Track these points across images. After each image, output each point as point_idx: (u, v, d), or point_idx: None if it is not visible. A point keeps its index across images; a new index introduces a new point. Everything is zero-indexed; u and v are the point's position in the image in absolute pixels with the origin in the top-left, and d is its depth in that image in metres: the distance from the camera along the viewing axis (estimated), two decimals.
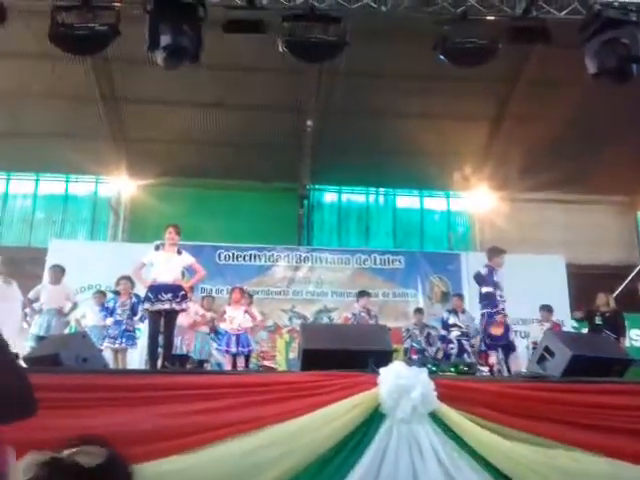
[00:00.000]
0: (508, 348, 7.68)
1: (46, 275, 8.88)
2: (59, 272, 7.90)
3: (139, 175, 13.18)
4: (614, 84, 5.84)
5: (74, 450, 1.16)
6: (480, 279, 7.44)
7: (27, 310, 7.84)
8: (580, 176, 12.43)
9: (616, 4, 5.67)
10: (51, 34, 5.94)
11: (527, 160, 12.30)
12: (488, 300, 7.23)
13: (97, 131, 12.40)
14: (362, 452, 3.24)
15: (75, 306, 7.94)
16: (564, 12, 6.47)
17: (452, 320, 9.30)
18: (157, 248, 6.59)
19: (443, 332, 9.38)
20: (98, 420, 3.11)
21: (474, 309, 10.09)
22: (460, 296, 9.96)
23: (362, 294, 9.26)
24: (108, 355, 7.10)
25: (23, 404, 1.64)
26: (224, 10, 6.58)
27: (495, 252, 7.51)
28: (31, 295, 7.81)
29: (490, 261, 7.44)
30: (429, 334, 9.85)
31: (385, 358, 3.77)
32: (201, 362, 8.34)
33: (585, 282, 11.22)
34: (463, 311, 9.47)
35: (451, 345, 9.14)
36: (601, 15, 5.60)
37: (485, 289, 7.29)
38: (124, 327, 7.35)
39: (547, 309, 9.22)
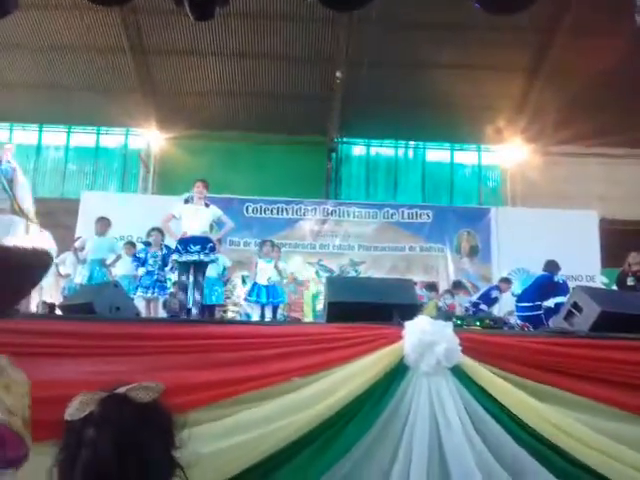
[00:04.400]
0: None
1: (79, 226, 9.06)
2: (106, 224, 8.24)
3: (168, 128, 13.20)
4: None
5: (132, 386, 1.20)
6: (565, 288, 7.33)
7: (61, 258, 8.12)
8: (617, 129, 12.02)
9: None
10: None
11: (563, 112, 11.93)
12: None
13: (126, 83, 12.42)
14: (386, 405, 3.24)
15: (119, 258, 8.18)
16: None
17: (494, 294, 9.32)
18: (186, 201, 6.67)
19: (484, 306, 9.31)
20: (131, 367, 3.18)
21: (502, 267, 10.03)
22: (508, 280, 9.73)
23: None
24: (140, 304, 7.28)
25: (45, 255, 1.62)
26: None
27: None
28: (77, 244, 8.25)
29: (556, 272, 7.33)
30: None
31: (410, 311, 3.76)
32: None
33: (618, 238, 10.99)
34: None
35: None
36: None
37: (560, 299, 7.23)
38: (156, 277, 7.53)
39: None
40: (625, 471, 3.06)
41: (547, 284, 7.46)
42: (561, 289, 7.34)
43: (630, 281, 7.94)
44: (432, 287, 9.75)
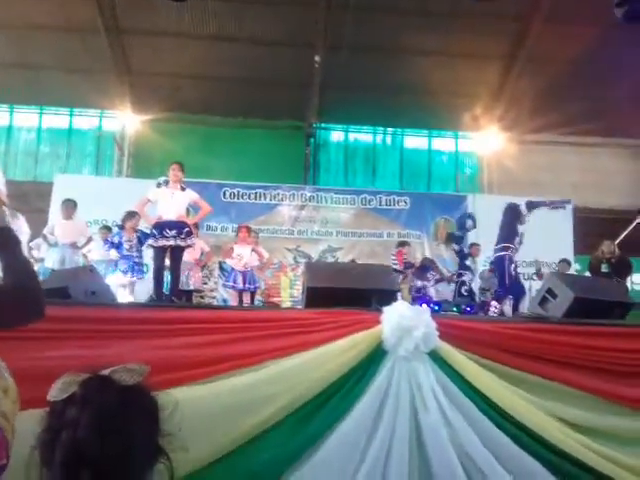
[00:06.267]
0: (519, 293, 7.78)
1: (52, 209, 8.91)
2: (71, 207, 8.08)
3: (143, 110, 12.97)
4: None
5: (115, 368, 1.18)
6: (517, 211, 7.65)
7: (35, 242, 8.00)
8: (592, 118, 12.16)
9: None
10: None
11: (539, 101, 12.05)
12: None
13: (101, 64, 12.15)
14: (364, 388, 3.28)
15: (90, 240, 8.08)
16: None
17: (469, 262, 9.40)
18: (159, 185, 6.58)
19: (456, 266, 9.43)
20: (107, 351, 3.16)
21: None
22: (477, 245, 9.85)
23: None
24: (116, 289, 7.20)
25: (37, 305, 1.62)
26: None
27: None
28: (46, 230, 8.08)
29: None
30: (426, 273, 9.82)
31: (388, 297, 3.80)
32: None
33: (591, 226, 11.19)
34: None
35: (465, 287, 9.23)
36: None
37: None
38: (133, 261, 7.47)
39: (566, 262, 9.32)
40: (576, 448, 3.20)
41: (510, 221, 7.78)
42: (519, 212, 7.70)
43: (604, 268, 8.06)
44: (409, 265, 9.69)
